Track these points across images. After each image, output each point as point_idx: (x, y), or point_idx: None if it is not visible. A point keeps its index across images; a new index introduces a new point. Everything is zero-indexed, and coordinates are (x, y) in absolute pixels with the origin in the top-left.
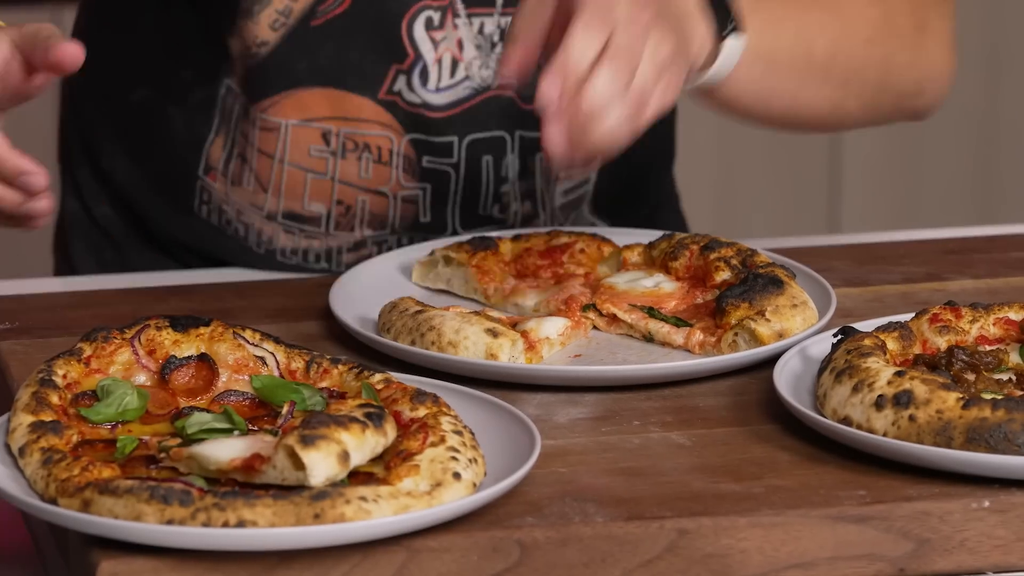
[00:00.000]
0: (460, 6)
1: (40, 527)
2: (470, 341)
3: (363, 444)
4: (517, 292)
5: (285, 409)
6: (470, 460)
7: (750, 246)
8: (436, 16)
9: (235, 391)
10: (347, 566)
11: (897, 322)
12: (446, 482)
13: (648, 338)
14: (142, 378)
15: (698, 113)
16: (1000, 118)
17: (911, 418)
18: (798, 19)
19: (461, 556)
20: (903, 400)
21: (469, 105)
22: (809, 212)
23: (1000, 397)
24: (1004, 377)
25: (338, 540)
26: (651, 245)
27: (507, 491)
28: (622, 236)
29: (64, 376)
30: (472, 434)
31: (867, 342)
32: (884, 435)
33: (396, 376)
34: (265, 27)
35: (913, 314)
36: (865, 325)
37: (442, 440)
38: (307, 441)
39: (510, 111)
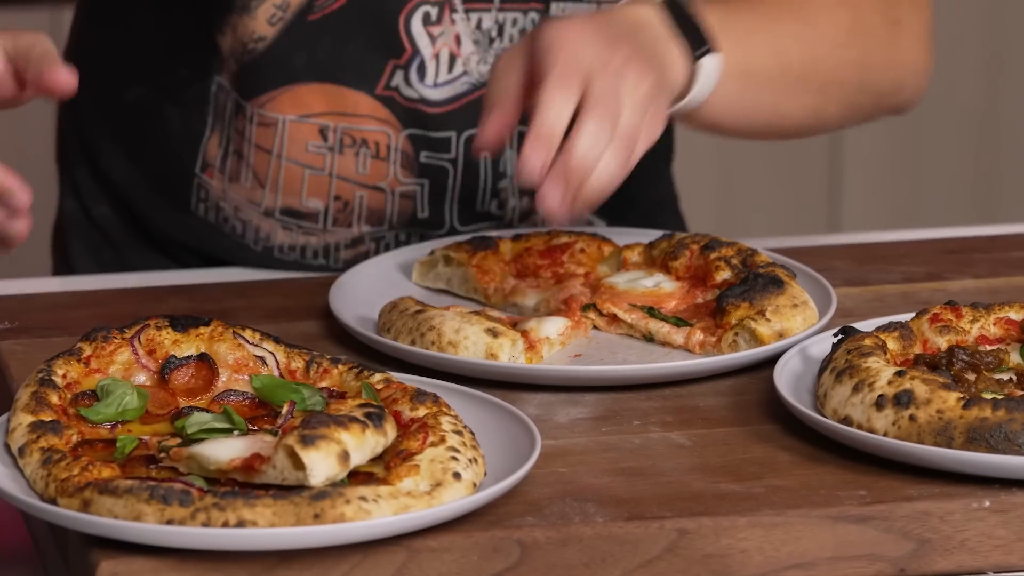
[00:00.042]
0: (458, 1)
1: (40, 527)
2: (470, 341)
3: (363, 444)
4: (517, 292)
5: (285, 409)
6: (470, 460)
7: (750, 246)
8: (434, 11)
9: (235, 391)
10: (347, 566)
11: (897, 322)
12: (446, 482)
13: (648, 338)
14: (142, 378)
15: None
16: (1000, 117)
17: (911, 418)
18: (769, 32)
19: (461, 556)
20: (903, 400)
21: (467, 100)
22: (809, 212)
23: (1001, 397)
24: (1005, 377)
25: (338, 540)
26: (651, 245)
27: (507, 491)
28: (622, 236)
29: (64, 376)
30: (472, 434)
31: (867, 342)
32: (884, 435)
33: (396, 376)
34: (262, 22)
35: (913, 314)
36: (865, 325)
37: (442, 440)
38: (307, 441)
39: None
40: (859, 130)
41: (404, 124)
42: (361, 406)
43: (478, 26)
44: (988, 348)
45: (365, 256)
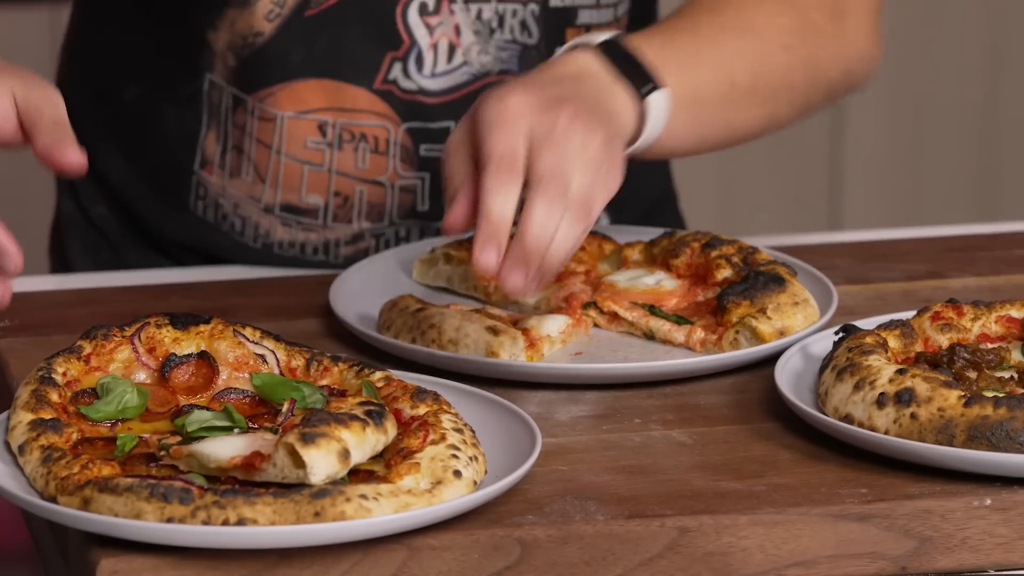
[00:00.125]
0: None
1: (40, 525)
2: (471, 339)
3: (363, 442)
4: None
5: (285, 407)
6: (471, 458)
7: (751, 244)
8: (431, 1)
9: (235, 389)
10: (347, 564)
11: (899, 320)
12: (447, 480)
13: (649, 336)
14: (142, 376)
15: None
16: (1001, 115)
17: (913, 416)
18: (713, 51)
19: (462, 554)
20: (905, 398)
21: (468, 91)
22: (811, 209)
23: (1002, 395)
24: (1006, 375)
25: (338, 538)
26: (652, 243)
27: (508, 489)
28: (623, 234)
29: (64, 374)
30: (473, 432)
31: (869, 340)
32: (886, 433)
33: (396, 374)
34: (260, 17)
35: (915, 312)
36: (867, 323)
37: (443, 438)
38: (307, 439)
39: None
40: (860, 128)
41: (403, 118)
42: (361, 404)
43: (478, 17)
44: (989, 346)
45: (365, 252)
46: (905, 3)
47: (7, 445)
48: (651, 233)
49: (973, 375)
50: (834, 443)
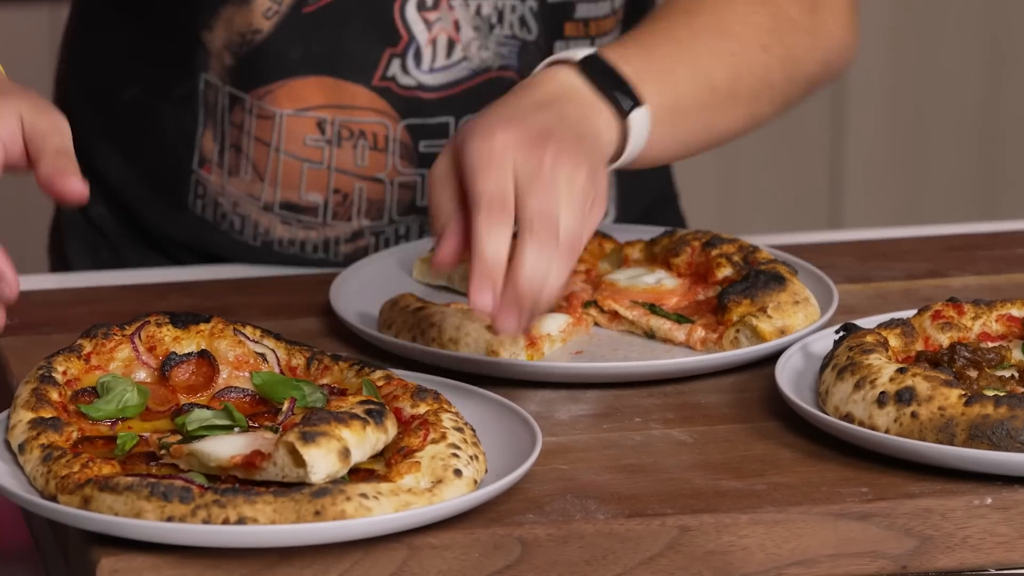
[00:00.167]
0: None
1: (40, 524)
2: (471, 338)
3: (364, 441)
4: None
5: (286, 406)
6: (471, 457)
7: (752, 242)
8: None
9: (235, 388)
10: (348, 563)
11: (899, 319)
12: (447, 479)
13: (650, 335)
14: (142, 375)
15: None
16: (1002, 114)
17: (913, 415)
18: (691, 58)
19: (462, 553)
20: (905, 397)
21: (467, 86)
22: (811, 208)
23: (1003, 394)
24: (1007, 374)
25: (339, 537)
26: (652, 241)
27: (508, 488)
28: (623, 232)
29: (64, 373)
30: (473, 431)
31: (869, 339)
32: (886, 432)
33: (397, 373)
34: (259, 15)
35: (915, 311)
36: (867, 322)
37: (443, 437)
38: (308, 438)
39: None
40: (861, 127)
41: (402, 114)
42: (362, 403)
43: (478, 12)
44: (990, 345)
45: (365, 250)
46: (906, 2)
47: (7, 444)
48: (652, 232)
49: (974, 374)
50: (835, 442)
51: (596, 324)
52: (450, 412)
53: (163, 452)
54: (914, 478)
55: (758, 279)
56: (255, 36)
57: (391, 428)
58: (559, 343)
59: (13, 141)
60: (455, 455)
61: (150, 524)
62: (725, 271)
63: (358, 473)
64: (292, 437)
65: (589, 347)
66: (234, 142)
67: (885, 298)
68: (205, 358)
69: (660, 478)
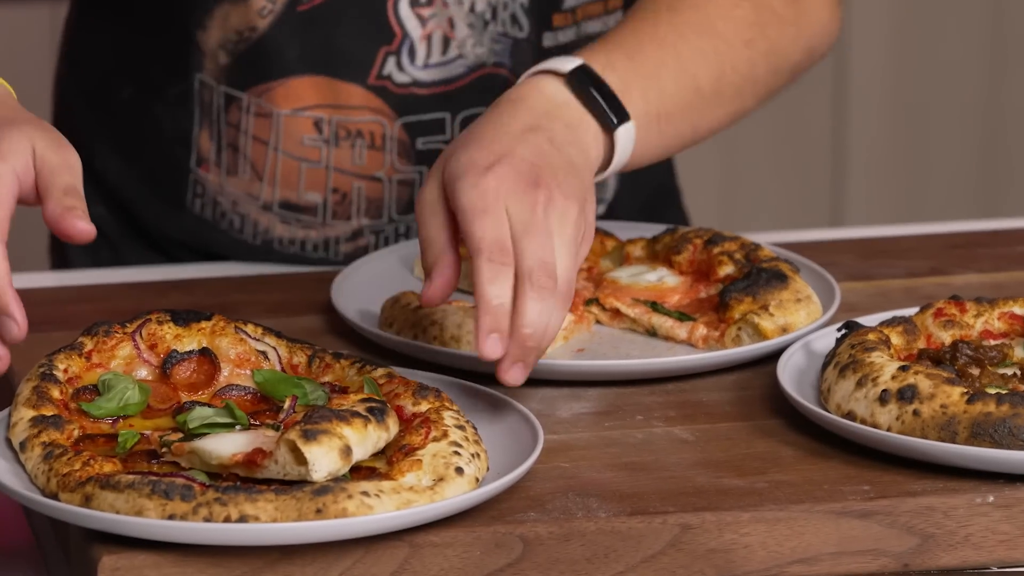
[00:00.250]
0: None
1: (41, 522)
2: (472, 335)
3: (365, 439)
4: None
5: (287, 404)
6: (472, 455)
7: (754, 240)
8: None
9: (237, 385)
10: (349, 561)
11: (901, 316)
12: (448, 477)
13: (651, 332)
14: (143, 372)
15: None
16: (1004, 111)
17: (915, 413)
18: (676, 60)
19: (463, 551)
20: (907, 395)
21: (463, 83)
22: (813, 206)
23: (1005, 392)
24: (1009, 372)
25: (340, 535)
26: (654, 239)
27: (510, 486)
28: (625, 230)
29: (65, 370)
30: (475, 429)
31: (871, 337)
32: (888, 430)
33: (398, 370)
34: (254, 13)
35: (917, 308)
36: (869, 319)
37: (444, 435)
38: (309, 436)
39: (507, 87)
40: (863, 125)
41: (398, 112)
42: (363, 401)
43: (472, 9)
44: (992, 343)
45: (365, 249)
46: (907, 0)
47: (8, 442)
48: (653, 229)
49: (976, 372)
50: (836, 440)
51: (598, 322)
52: (451, 410)
53: (164, 450)
54: (916, 476)
55: (760, 277)
56: (251, 35)
57: (392, 426)
58: (561, 341)
59: (27, 174)
60: (457, 453)
61: (151, 522)
62: (727, 269)
63: (360, 471)
64: (293, 435)
65: (591, 345)
66: (231, 141)
67: (887, 296)
68: (206, 356)
69: (662, 476)
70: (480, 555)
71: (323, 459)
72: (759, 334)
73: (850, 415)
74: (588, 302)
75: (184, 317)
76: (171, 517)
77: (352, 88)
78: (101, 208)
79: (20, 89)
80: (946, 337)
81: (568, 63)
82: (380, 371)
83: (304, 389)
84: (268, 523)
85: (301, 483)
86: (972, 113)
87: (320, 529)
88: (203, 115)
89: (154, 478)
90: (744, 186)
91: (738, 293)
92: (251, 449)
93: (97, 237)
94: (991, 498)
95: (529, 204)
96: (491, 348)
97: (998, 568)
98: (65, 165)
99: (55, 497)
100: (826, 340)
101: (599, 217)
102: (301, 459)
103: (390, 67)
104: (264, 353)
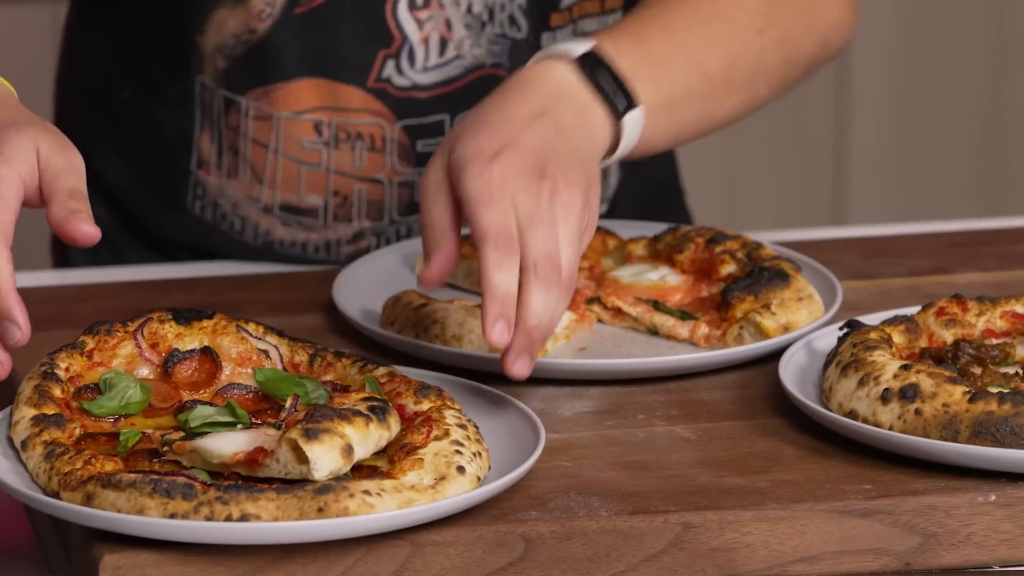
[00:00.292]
0: None
1: (43, 521)
2: (474, 334)
3: (367, 438)
4: None
5: (288, 403)
6: (474, 454)
7: (756, 239)
8: None
9: (238, 384)
10: (351, 560)
11: (903, 315)
12: (450, 476)
13: (653, 331)
14: (145, 371)
15: None
16: (1006, 110)
17: (917, 412)
18: (685, 48)
19: (465, 550)
20: (909, 394)
21: (462, 84)
22: (815, 205)
23: (1007, 391)
24: (1011, 371)
25: (342, 534)
26: (656, 238)
27: (511, 485)
28: (626, 229)
29: (67, 369)
30: (476, 428)
31: (873, 335)
32: (890, 429)
33: (400, 369)
34: (253, 16)
35: (919, 307)
36: (871, 318)
37: (446, 434)
38: (310, 435)
39: None
40: (865, 124)
41: (398, 115)
42: (365, 400)
43: (469, 10)
44: (994, 342)
45: (366, 251)
46: None
47: (10, 441)
48: (655, 228)
49: (978, 371)
50: (838, 439)
51: (599, 321)
52: (453, 409)
53: (166, 449)
54: (918, 475)
55: (762, 276)
56: (250, 37)
57: (394, 425)
58: (562, 340)
59: (31, 177)
60: (458, 452)
61: (153, 521)
62: (729, 268)
63: (361, 470)
64: (295, 434)
65: (592, 344)
66: (231, 144)
67: (889, 295)
68: (208, 355)
69: (663, 475)
70: (482, 554)
71: (324, 458)
72: (761, 333)
73: (852, 414)
74: (590, 301)
75: (186, 316)
76: (172, 516)
77: (351, 91)
78: (101, 208)
79: (22, 88)
80: (948, 336)
81: (578, 47)
82: (382, 370)
83: (305, 388)
84: (269, 522)
85: (302, 482)
86: (974, 111)
87: (321, 528)
88: (204, 117)
89: (156, 477)
90: (746, 185)
91: (740, 292)
92: (252, 448)
93: None
94: (993, 497)
95: (534, 194)
96: (498, 335)
97: (1000, 567)
98: (69, 167)
99: (56, 496)
100: (828, 339)
101: (601, 216)
102: (302, 458)
103: (389, 70)
104: (266, 352)
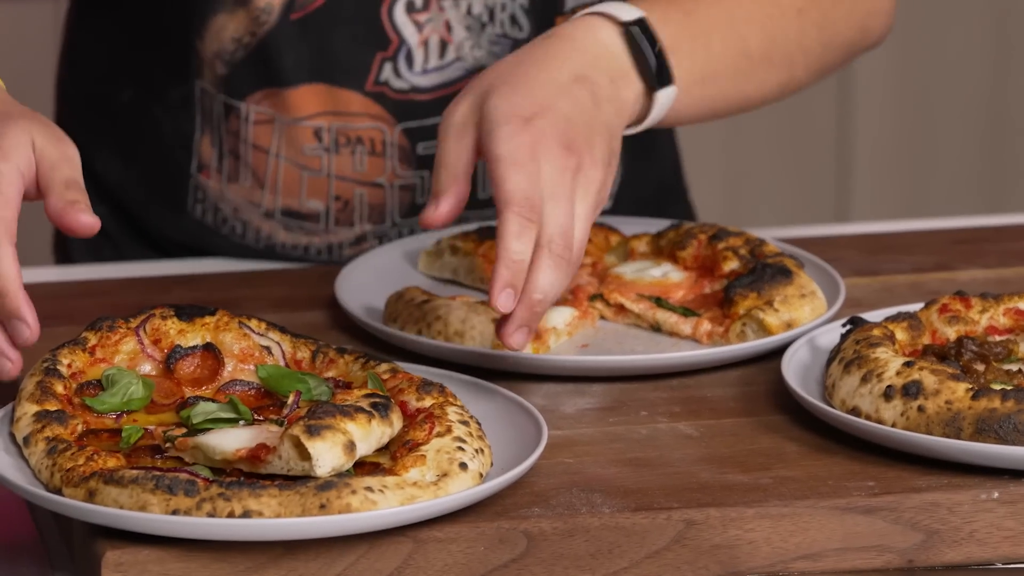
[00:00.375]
0: None
1: (45, 517)
2: (476, 331)
3: (369, 434)
4: None
5: (291, 399)
6: (476, 450)
7: (759, 235)
8: None
9: (241, 381)
10: (353, 556)
11: (906, 312)
12: (452, 472)
13: (656, 328)
14: (147, 367)
15: None
16: (1009, 106)
17: (920, 409)
18: (727, 23)
19: (467, 547)
20: (912, 391)
21: (462, 86)
22: (818, 201)
23: (1010, 388)
24: (1014, 368)
25: (344, 530)
26: (659, 234)
27: (514, 482)
28: (629, 225)
29: (69, 365)
30: (479, 424)
31: (876, 332)
32: (893, 426)
33: (402, 366)
34: (250, 22)
35: (922, 304)
36: (874, 315)
37: (448, 430)
38: (313, 431)
39: None
40: (868, 120)
41: (398, 118)
42: (367, 396)
43: (468, 11)
44: (997, 338)
45: None
46: None
47: (12, 437)
48: (658, 225)
49: (981, 368)
50: (841, 436)
51: (602, 317)
52: (455, 405)
53: (168, 445)
54: (921, 472)
55: (764, 272)
56: (250, 41)
57: (396, 421)
58: (565, 336)
59: (29, 170)
60: (460, 448)
61: (155, 517)
62: (731, 264)
63: (363, 466)
64: (297, 430)
65: (595, 340)
66: (232, 149)
67: (892, 291)
68: (210, 351)
69: (666, 472)
70: (484, 550)
71: (327, 454)
72: (764, 330)
73: (855, 411)
74: (592, 297)
75: (188, 312)
76: (175, 512)
77: (351, 95)
78: (103, 208)
79: (22, 87)
80: (951, 333)
81: (627, 12)
82: (384, 366)
83: (308, 384)
84: (272, 518)
85: (305, 478)
86: (977, 108)
87: (324, 524)
88: (204, 121)
89: (158, 473)
90: (749, 182)
91: (743, 289)
92: (255, 444)
93: (99, 236)
94: (996, 494)
95: (560, 168)
96: (504, 301)
97: (1003, 564)
98: (64, 158)
99: (59, 492)
100: (831, 336)
101: (604, 212)
102: (305, 454)
103: (387, 73)
104: (268, 348)
